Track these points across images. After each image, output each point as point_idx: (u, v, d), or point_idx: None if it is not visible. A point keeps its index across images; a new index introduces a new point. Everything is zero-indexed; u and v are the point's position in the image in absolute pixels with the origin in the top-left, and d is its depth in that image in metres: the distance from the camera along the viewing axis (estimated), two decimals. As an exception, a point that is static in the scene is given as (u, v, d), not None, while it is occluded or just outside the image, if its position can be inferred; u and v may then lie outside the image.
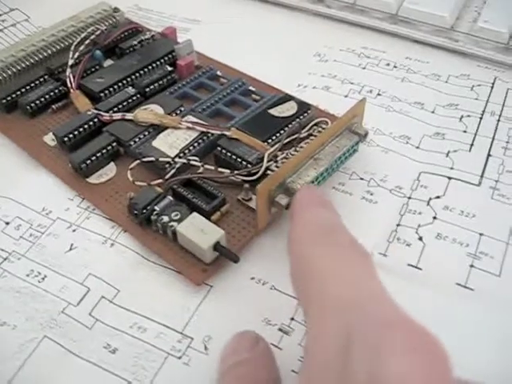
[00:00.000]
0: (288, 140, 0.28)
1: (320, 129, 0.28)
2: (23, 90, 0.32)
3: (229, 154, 0.27)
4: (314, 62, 0.36)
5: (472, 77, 0.34)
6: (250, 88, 0.32)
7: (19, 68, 0.34)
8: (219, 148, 0.27)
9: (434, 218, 0.26)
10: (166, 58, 0.33)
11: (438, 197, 0.27)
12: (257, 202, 0.23)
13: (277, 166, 0.26)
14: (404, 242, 0.25)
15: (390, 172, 0.28)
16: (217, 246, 0.23)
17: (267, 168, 0.26)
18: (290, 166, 0.24)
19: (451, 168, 0.28)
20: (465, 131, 0.30)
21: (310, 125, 0.29)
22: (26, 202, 0.28)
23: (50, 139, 0.30)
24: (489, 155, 0.29)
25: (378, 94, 0.33)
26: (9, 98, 0.31)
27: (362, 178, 0.28)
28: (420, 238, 0.25)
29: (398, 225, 0.26)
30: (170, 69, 0.32)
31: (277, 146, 0.27)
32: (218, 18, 0.40)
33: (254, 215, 0.25)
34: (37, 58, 0.35)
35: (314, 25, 0.39)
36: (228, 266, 0.24)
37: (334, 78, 0.34)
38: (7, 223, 0.27)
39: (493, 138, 0.30)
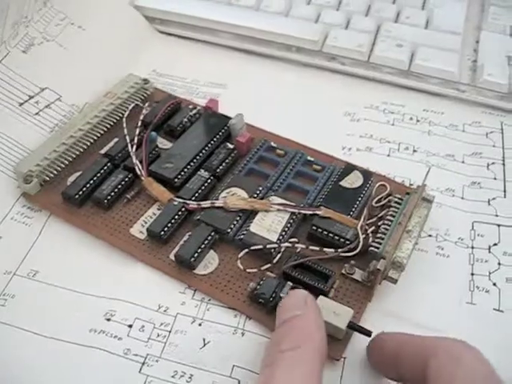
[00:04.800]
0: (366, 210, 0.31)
1: (387, 195, 0.32)
2: (91, 181, 0.32)
3: (325, 233, 0.30)
4: (348, 122, 0.39)
5: (483, 124, 0.39)
6: (309, 158, 0.34)
7: (74, 156, 0.34)
8: (315, 227, 0.30)
9: (499, 264, 0.31)
10: (221, 134, 0.35)
11: (495, 244, 0.32)
12: (376, 281, 0.27)
13: (374, 241, 0.29)
14: (483, 290, 0.30)
15: (449, 225, 0.33)
16: (350, 325, 0.26)
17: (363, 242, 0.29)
18: (395, 244, 0.28)
19: (496, 215, 0.33)
20: (495, 178, 0.35)
21: (374, 191, 0.32)
22: (138, 300, 0.29)
23: (137, 232, 0.31)
24: (522, 199, 0.34)
25: (414, 151, 0.37)
26: (80, 193, 0.32)
27: (430, 235, 0.32)
28: (494, 284, 0.30)
29: (472, 274, 0.31)
30: (231, 146, 0.34)
31: (362, 218, 0.30)
32: (243, 80, 0.42)
33: (359, 286, 0.29)
34: (88, 143, 0.35)
35: (331, 81, 0.42)
36: (352, 336, 0.27)
37: (371, 137, 0.38)
38: (130, 326, 0.28)
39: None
